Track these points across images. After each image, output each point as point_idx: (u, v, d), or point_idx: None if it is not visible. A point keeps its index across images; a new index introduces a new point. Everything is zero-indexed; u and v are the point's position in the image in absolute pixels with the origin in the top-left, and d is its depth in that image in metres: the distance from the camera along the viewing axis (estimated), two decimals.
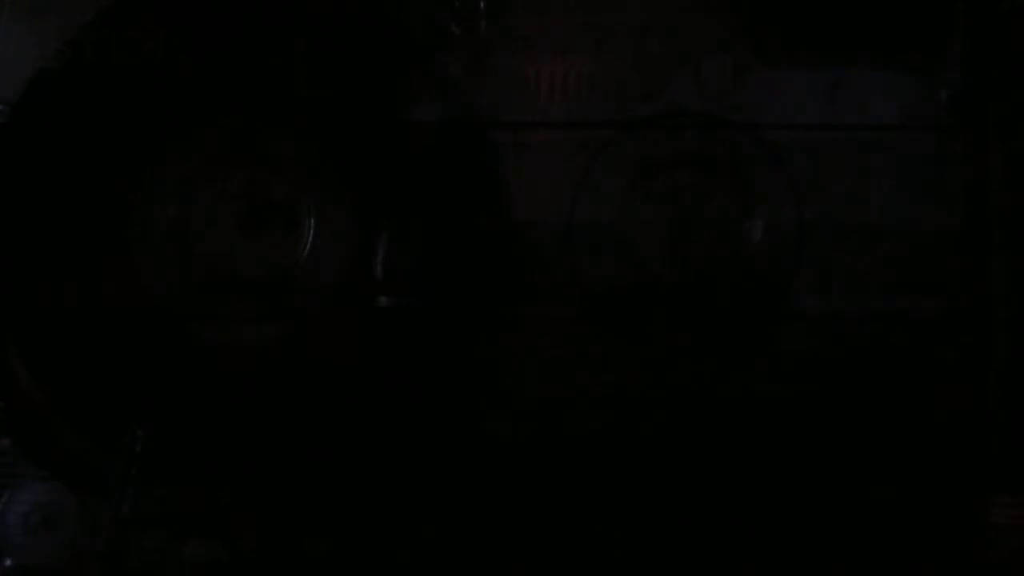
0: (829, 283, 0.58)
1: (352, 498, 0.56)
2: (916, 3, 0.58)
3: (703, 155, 0.58)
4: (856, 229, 0.58)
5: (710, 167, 0.58)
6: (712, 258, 0.58)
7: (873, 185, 0.58)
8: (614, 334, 0.57)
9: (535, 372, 0.57)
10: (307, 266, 0.58)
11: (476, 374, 0.57)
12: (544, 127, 0.58)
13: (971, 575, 0.56)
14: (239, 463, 0.56)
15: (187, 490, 0.56)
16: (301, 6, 0.57)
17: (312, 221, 0.58)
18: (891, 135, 0.58)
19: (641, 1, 0.58)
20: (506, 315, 0.57)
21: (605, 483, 0.57)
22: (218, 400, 0.57)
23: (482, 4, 0.57)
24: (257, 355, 0.57)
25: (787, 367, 0.57)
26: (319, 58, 0.57)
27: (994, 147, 0.58)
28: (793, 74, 0.58)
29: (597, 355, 0.57)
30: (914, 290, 0.57)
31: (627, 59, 0.58)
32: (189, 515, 0.56)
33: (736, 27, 0.58)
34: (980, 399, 0.57)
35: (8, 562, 0.56)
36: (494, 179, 0.57)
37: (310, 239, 0.58)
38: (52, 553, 0.56)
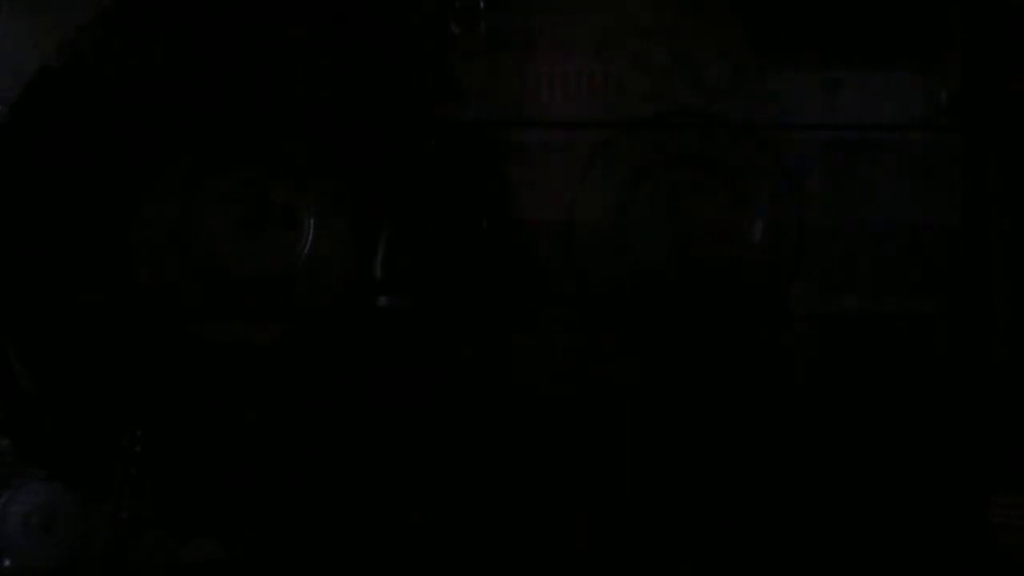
0: (829, 283, 0.58)
1: (351, 498, 0.56)
2: (916, 4, 0.58)
3: (703, 155, 0.58)
4: (856, 229, 0.58)
5: (710, 167, 0.58)
6: (712, 258, 0.58)
7: (873, 185, 0.58)
8: (614, 334, 0.57)
9: (535, 372, 0.57)
10: (307, 266, 0.58)
11: (475, 374, 0.57)
12: (544, 127, 0.58)
13: (971, 575, 0.56)
14: (240, 463, 0.56)
15: (187, 490, 0.56)
16: (301, 6, 0.57)
17: (312, 222, 0.58)
18: (891, 135, 0.58)
19: (642, 1, 0.58)
20: (505, 315, 0.57)
21: (606, 483, 0.57)
22: (218, 400, 0.57)
23: (482, 4, 0.57)
24: (257, 355, 0.57)
25: (787, 367, 0.57)
26: (319, 58, 0.57)
27: (994, 147, 0.58)
28: (793, 74, 0.58)
29: (597, 355, 0.57)
30: (914, 290, 0.57)
31: (627, 59, 0.58)
32: (189, 515, 0.56)
33: (736, 27, 0.58)
34: (980, 399, 0.57)
35: (8, 562, 0.56)
36: (494, 179, 0.57)
37: (310, 239, 0.58)
38: (52, 553, 0.56)
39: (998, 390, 0.57)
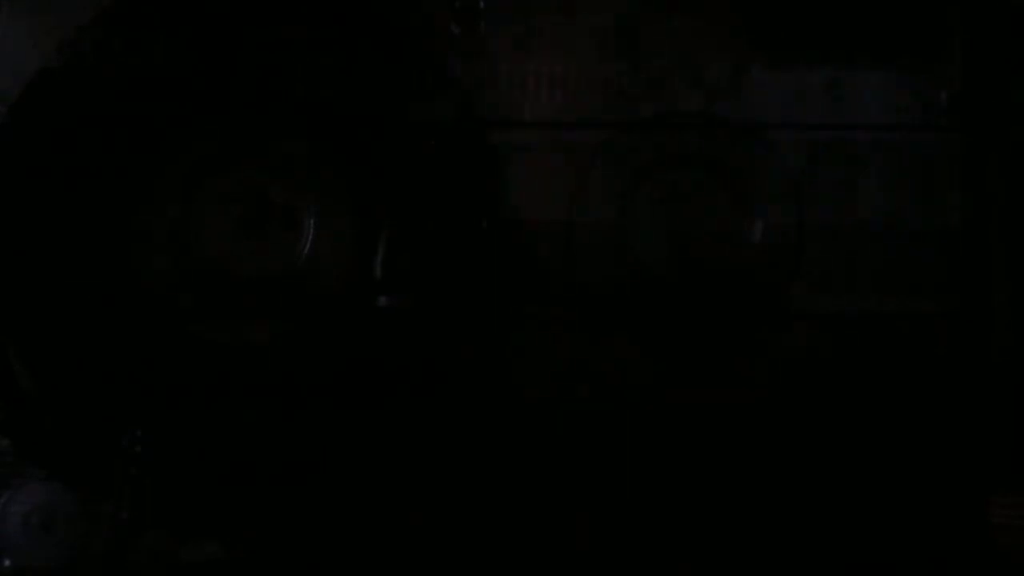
0: (829, 283, 0.58)
1: (351, 498, 0.56)
2: (916, 4, 0.58)
3: (703, 155, 0.58)
4: (855, 229, 0.58)
5: (710, 167, 0.58)
6: (712, 258, 0.58)
7: (873, 185, 0.58)
8: (613, 334, 0.57)
9: (535, 372, 0.57)
10: (307, 266, 0.58)
11: (475, 374, 0.57)
12: (544, 127, 0.58)
13: (971, 575, 0.56)
14: (240, 463, 0.56)
15: (187, 490, 0.56)
16: (301, 6, 0.57)
17: (312, 222, 0.58)
18: (891, 135, 0.58)
19: (641, 1, 0.58)
20: (505, 315, 0.57)
21: (605, 483, 0.57)
22: (218, 400, 0.57)
23: (482, 4, 0.57)
24: (257, 355, 0.57)
25: (787, 367, 0.57)
26: (319, 58, 0.57)
27: (994, 147, 0.58)
28: (792, 74, 0.58)
29: (596, 355, 0.57)
30: (914, 290, 0.57)
31: (627, 59, 0.58)
32: (189, 515, 0.56)
33: (736, 27, 0.58)
34: (980, 399, 0.57)
35: (8, 562, 0.56)
36: (494, 179, 0.57)
37: (310, 239, 0.58)
38: (52, 553, 0.56)
39: (998, 390, 0.57)
